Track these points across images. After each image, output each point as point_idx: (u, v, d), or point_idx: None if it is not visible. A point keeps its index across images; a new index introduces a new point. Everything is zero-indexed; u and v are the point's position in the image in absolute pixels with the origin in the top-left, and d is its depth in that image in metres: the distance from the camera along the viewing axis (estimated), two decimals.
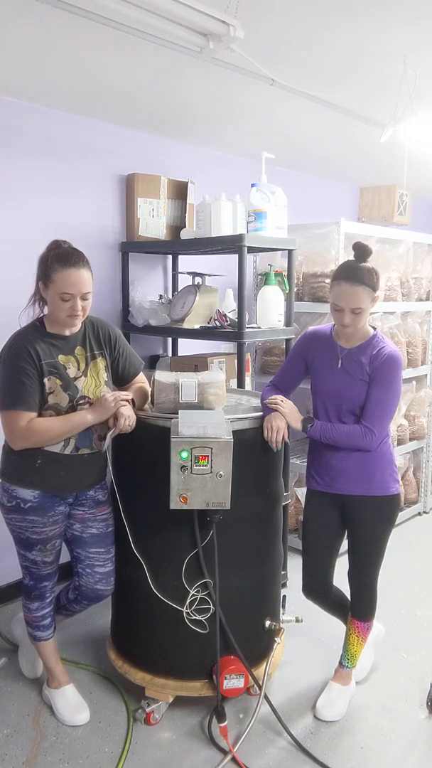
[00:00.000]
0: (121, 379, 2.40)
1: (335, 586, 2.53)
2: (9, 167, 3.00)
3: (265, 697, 2.39)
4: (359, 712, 2.46)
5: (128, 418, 2.21)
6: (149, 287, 3.68)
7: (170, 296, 3.62)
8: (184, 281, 3.58)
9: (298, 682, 2.63)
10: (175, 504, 2.12)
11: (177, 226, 3.51)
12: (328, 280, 3.47)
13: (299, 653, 2.82)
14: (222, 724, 2.27)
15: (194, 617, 2.31)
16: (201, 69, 2.50)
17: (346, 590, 2.50)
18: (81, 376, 2.23)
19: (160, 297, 3.60)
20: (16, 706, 2.48)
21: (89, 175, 3.32)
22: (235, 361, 3.10)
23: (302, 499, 2.53)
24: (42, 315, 2.27)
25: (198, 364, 3.05)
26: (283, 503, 2.80)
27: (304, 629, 2.91)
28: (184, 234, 3.36)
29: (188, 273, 3.48)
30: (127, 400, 2.26)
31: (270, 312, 3.19)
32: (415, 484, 4.48)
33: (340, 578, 2.51)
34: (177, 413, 2.24)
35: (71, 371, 2.20)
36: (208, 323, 3.26)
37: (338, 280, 2.19)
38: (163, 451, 2.10)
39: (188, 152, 3.77)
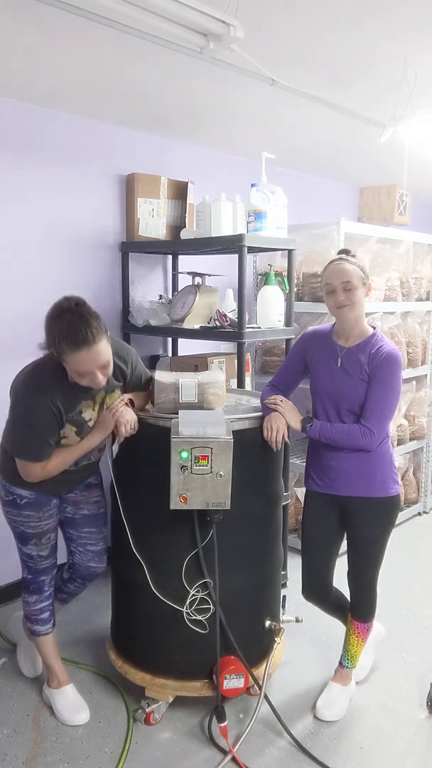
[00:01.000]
0: (129, 392, 2.38)
1: (335, 587, 2.53)
2: (9, 167, 3.00)
3: (265, 697, 2.39)
4: (359, 712, 2.46)
5: (128, 422, 2.21)
6: (149, 287, 3.68)
7: (170, 296, 3.62)
8: (184, 281, 3.58)
9: (298, 682, 2.63)
10: (175, 504, 2.12)
11: (177, 226, 3.51)
12: (321, 278, 3.47)
13: (299, 653, 2.82)
14: (222, 724, 2.27)
15: (194, 617, 2.31)
16: (201, 69, 2.50)
17: (345, 591, 2.50)
18: (94, 417, 2.24)
19: (160, 297, 3.60)
20: (16, 706, 2.48)
21: (89, 175, 3.32)
22: (235, 361, 3.09)
23: (302, 499, 2.53)
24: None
25: (198, 364, 3.05)
26: (283, 503, 2.80)
27: (304, 629, 2.91)
28: (184, 234, 3.35)
29: (188, 273, 3.48)
30: (123, 403, 2.26)
31: (270, 312, 3.19)
32: (415, 484, 4.48)
33: (340, 578, 2.51)
34: (177, 413, 2.24)
35: (86, 414, 2.20)
36: (208, 323, 3.26)
37: (326, 267, 2.29)
38: (163, 451, 2.10)
39: (188, 152, 3.77)
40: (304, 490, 2.48)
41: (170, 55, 2.33)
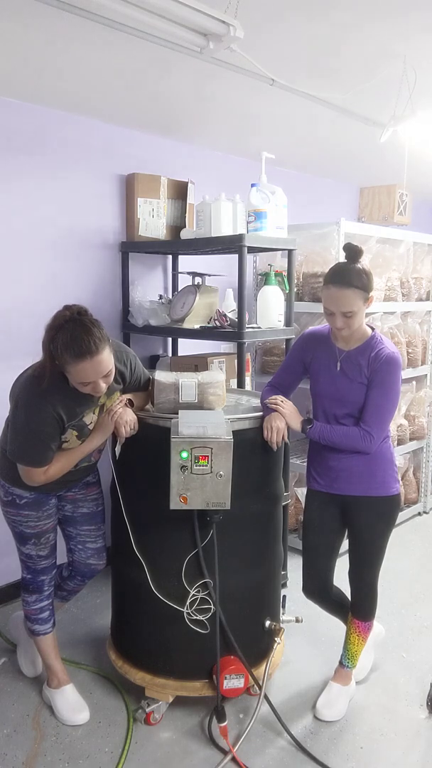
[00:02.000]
0: (129, 393, 2.38)
1: (335, 586, 2.53)
2: (9, 167, 3.00)
3: (265, 697, 2.39)
4: (359, 712, 2.46)
5: (127, 423, 2.21)
6: (149, 287, 3.68)
7: (170, 296, 3.62)
8: (184, 281, 3.58)
9: (298, 682, 2.63)
10: (175, 504, 2.12)
11: (177, 226, 3.51)
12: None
13: (299, 653, 2.82)
14: (222, 724, 2.27)
15: (194, 617, 2.31)
16: (201, 69, 2.49)
17: (346, 590, 2.50)
18: (95, 420, 2.24)
19: (160, 297, 3.59)
20: (16, 706, 2.48)
21: (89, 175, 3.32)
22: (235, 361, 3.09)
23: (302, 499, 2.53)
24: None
25: (198, 364, 3.05)
26: (283, 503, 2.80)
27: (304, 629, 2.91)
28: (184, 234, 3.35)
29: (188, 273, 3.48)
30: (122, 404, 2.26)
31: (270, 312, 3.19)
32: (415, 484, 4.48)
33: (340, 578, 2.51)
34: (177, 413, 2.24)
35: (87, 418, 2.21)
36: (208, 323, 3.26)
37: (327, 284, 2.16)
38: (163, 451, 2.10)
39: (188, 152, 3.77)
40: (304, 490, 2.48)
41: (170, 54, 2.32)
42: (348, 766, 2.19)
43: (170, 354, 3.79)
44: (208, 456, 2.08)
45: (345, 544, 2.47)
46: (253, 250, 3.25)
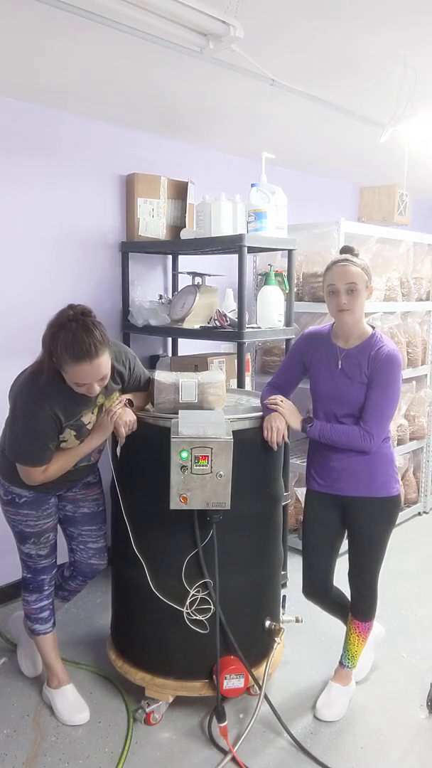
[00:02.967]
0: (128, 393, 2.39)
1: (335, 586, 2.53)
2: (9, 167, 3.00)
3: (265, 697, 2.39)
4: (359, 712, 2.46)
5: (126, 423, 2.22)
6: (149, 287, 3.68)
7: (170, 296, 3.62)
8: (184, 281, 3.58)
9: (298, 682, 2.63)
10: (175, 504, 2.12)
11: (177, 226, 3.51)
12: (325, 278, 3.47)
13: (299, 653, 2.82)
14: (222, 724, 2.27)
15: (194, 617, 2.31)
16: (201, 69, 2.49)
17: (346, 590, 2.50)
18: (93, 420, 2.24)
19: (160, 297, 3.59)
20: (16, 706, 2.48)
21: (89, 175, 3.32)
22: (235, 361, 3.09)
23: (302, 499, 2.53)
24: None
25: (198, 364, 3.05)
26: (283, 503, 2.80)
27: (304, 629, 2.91)
28: (184, 234, 3.35)
29: (188, 273, 3.48)
30: (121, 405, 2.26)
31: (270, 312, 3.19)
32: (415, 484, 4.48)
33: (340, 578, 2.51)
34: (177, 413, 2.24)
35: (85, 418, 2.21)
36: (208, 323, 3.26)
37: (330, 266, 2.25)
38: (163, 451, 2.10)
39: (188, 152, 3.77)
40: (304, 490, 2.48)
41: (170, 54, 2.32)
42: (348, 766, 2.19)
43: (170, 354, 3.79)
44: (208, 456, 2.08)
45: (345, 545, 2.47)
46: (253, 250, 3.25)
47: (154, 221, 3.44)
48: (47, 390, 2.06)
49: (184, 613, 2.30)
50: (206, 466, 2.08)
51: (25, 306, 3.10)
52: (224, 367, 3.17)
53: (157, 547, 2.33)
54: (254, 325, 3.21)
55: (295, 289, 3.56)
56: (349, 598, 2.48)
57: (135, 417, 2.25)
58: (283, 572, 3.26)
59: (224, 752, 2.23)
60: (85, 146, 3.28)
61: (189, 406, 2.29)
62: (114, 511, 2.45)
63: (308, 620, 2.78)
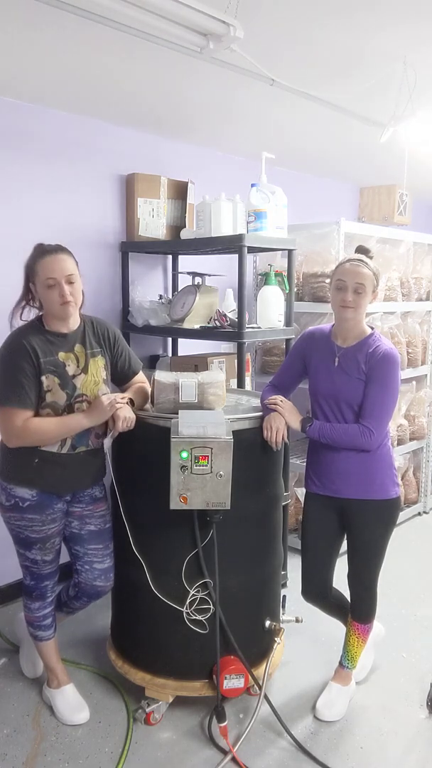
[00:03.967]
0: (120, 379, 2.41)
1: (335, 587, 2.53)
2: (9, 167, 3.00)
3: (265, 697, 2.39)
4: (359, 712, 2.46)
5: (126, 419, 2.21)
6: (149, 287, 3.68)
7: (170, 296, 3.62)
8: (184, 281, 3.58)
9: (298, 682, 2.63)
10: (175, 504, 2.12)
11: (177, 226, 3.51)
12: (328, 280, 3.47)
13: (299, 653, 2.82)
14: (222, 724, 2.27)
15: (194, 617, 2.31)
16: (201, 69, 2.49)
17: (345, 591, 2.50)
18: (80, 374, 2.23)
19: (160, 297, 3.60)
20: (16, 706, 2.48)
21: (89, 175, 3.32)
22: (235, 361, 3.09)
23: (302, 500, 2.53)
24: (40, 314, 2.26)
25: (198, 364, 3.05)
26: (283, 503, 2.80)
27: (304, 629, 2.90)
28: (184, 234, 3.35)
29: (188, 273, 3.48)
30: (124, 402, 2.26)
31: (270, 312, 3.19)
32: (415, 484, 4.48)
33: (340, 579, 2.51)
34: (177, 413, 2.24)
35: (70, 369, 2.20)
36: (208, 323, 3.26)
37: (343, 263, 2.26)
38: (163, 451, 2.10)
39: (188, 152, 3.77)
40: (304, 490, 2.48)
41: (170, 54, 2.32)
42: (348, 766, 2.19)
43: (170, 354, 3.79)
44: (208, 456, 2.08)
45: (344, 546, 2.47)
46: (253, 250, 3.25)
47: (154, 221, 3.44)
48: (25, 329, 2.20)
49: (184, 613, 2.30)
50: (206, 466, 2.08)
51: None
52: (224, 367, 3.17)
53: (157, 547, 2.33)
54: (254, 325, 3.21)
55: (295, 289, 3.56)
56: (348, 599, 2.48)
57: (134, 416, 2.25)
58: (283, 572, 3.26)
59: (224, 752, 2.23)
60: (85, 146, 3.28)
61: (189, 406, 2.29)
62: (114, 512, 2.45)
63: (308, 620, 2.78)
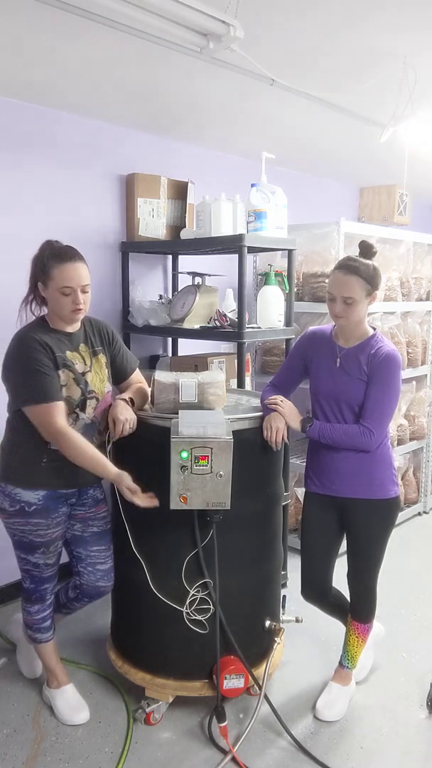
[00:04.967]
0: (118, 377, 2.42)
1: (334, 587, 2.53)
2: (9, 167, 3.00)
3: (265, 697, 2.39)
4: (359, 712, 2.46)
5: (126, 421, 2.22)
6: (149, 287, 3.68)
7: (170, 296, 3.62)
8: (184, 281, 3.58)
9: (298, 682, 2.63)
10: (175, 504, 2.12)
11: (177, 226, 3.51)
12: (327, 280, 3.47)
13: (299, 653, 2.82)
14: (222, 724, 2.27)
15: (194, 617, 2.31)
16: (201, 69, 2.49)
17: (345, 591, 2.50)
18: (88, 371, 2.25)
19: (160, 297, 3.60)
20: (16, 706, 2.48)
21: (89, 175, 3.32)
22: (235, 361, 3.09)
23: (302, 500, 2.53)
24: (42, 315, 2.27)
25: (198, 364, 3.05)
26: (283, 503, 2.80)
27: (304, 629, 2.91)
28: (184, 234, 3.35)
29: (188, 273, 3.48)
30: (125, 402, 2.26)
31: (270, 312, 3.19)
32: (415, 484, 4.48)
33: (340, 579, 2.51)
34: (177, 413, 2.24)
35: (78, 366, 2.23)
36: (208, 323, 3.26)
37: (334, 270, 2.23)
38: (163, 451, 2.10)
39: (188, 152, 3.77)
40: (304, 490, 2.48)
41: (170, 54, 2.32)
42: (348, 766, 2.19)
43: (170, 354, 3.79)
44: (208, 456, 2.08)
45: (344, 545, 2.47)
46: (253, 250, 3.25)
47: (154, 221, 3.44)
48: (32, 328, 2.20)
49: (184, 613, 2.30)
50: (206, 466, 2.08)
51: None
52: (224, 367, 3.17)
53: (157, 547, 2.33)
54: (254, 325, 3.21)
55: (295, 289, 3.56)
56: (348, 599, 2.48)
57: (135, 416, 2.25)
58: (283, 572, 3.26)
59: (224, 752, 2.23)
60: (85, 146, 3.28)
61: (189, 406, 2.29)
62: (114, 511, 2.45)
63: (308, 620, 2.78)
